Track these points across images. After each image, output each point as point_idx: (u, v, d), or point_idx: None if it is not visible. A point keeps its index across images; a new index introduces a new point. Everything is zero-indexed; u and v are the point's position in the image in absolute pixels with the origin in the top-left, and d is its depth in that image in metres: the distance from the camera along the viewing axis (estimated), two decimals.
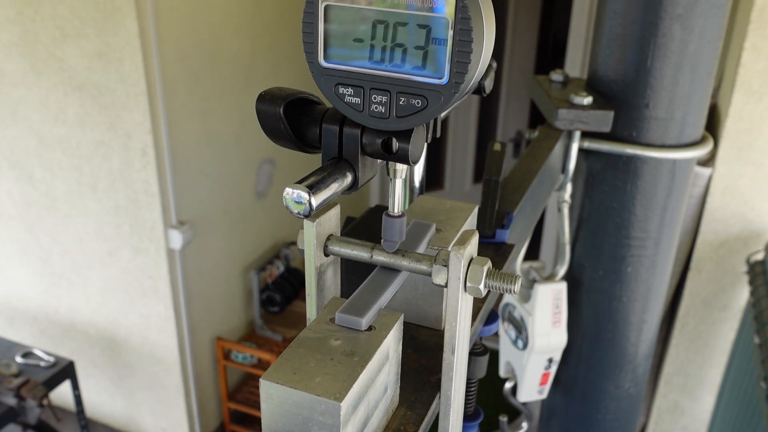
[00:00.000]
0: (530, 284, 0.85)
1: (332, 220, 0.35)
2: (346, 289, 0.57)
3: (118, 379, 2.33)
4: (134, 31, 1.76)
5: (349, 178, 0.32)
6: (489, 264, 0.34)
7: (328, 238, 0.35)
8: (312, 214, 0.29)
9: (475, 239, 0.34)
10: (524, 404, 0.90)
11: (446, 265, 0.33)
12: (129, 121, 1.88)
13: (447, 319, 0.33)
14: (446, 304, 0.34)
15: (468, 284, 0.32)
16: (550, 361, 0.85)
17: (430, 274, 0.34)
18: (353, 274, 0.56)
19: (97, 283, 2.14)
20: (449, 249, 0.33)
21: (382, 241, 0.36)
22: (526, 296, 0.85)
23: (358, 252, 0.35)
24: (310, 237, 0.34)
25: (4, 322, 2.43)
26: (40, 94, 1.95)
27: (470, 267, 0.33)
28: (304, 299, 2.66)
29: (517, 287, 0.34)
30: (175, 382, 2.20)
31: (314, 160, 0.34)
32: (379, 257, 0.35)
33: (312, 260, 0.35)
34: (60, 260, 2.19)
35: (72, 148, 2.00)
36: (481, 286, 0.32)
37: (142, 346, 2.21)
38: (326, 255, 0.35)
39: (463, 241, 0.33)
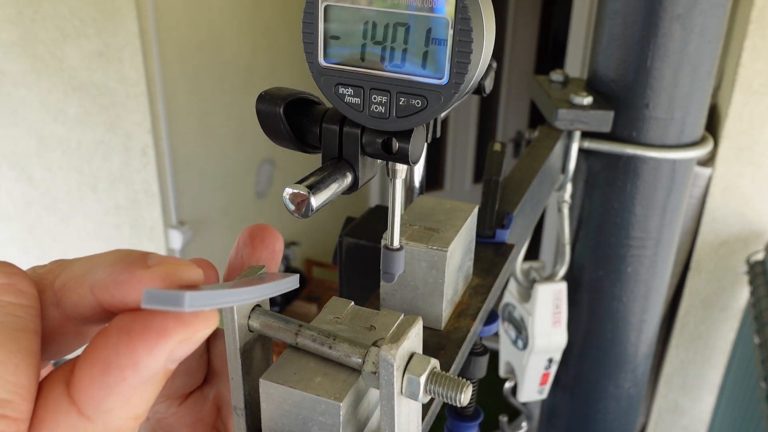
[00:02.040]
0: (530, 284, 0.85)
1: None
2: (347, 289, 0.57)
3: None
4: (134, 31, 1.76)
5: (349, 179, 0.32)
6: (433, 365, 0.28)
7: (253, 310, 0.30)
8: (312, 214, 0.29)
9: (414, 331, 0.28)
10: (524, 404, 0.90)
11: (376, 372, 0.28)
12: (129, 121, 1.88)
13: (383, 428, 0.28)
14: (381, 411, 0.28)
15: (404, 390, 0.28)
16: (550, 361, 0.85)
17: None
18: (354, 274, 0.56)
19: None
20: (381, 347, 0.27)
21: (381, 273, 0.36)
22: (526, 296, 0.85)
23: (283, 335, 0.30)
24: (229, 312, 0.29)
25: None
26: (40, 94, 1.95)
27: (406, 374, 0.27)
28: (304, 299, 2.66)
29: (464, 398, 0.28)
30: None
31: (314, 160, 0.33)
32: (306, 341, 0.29)
33: (234, 339, 0.29)
34: None
35: (72, 148, 2.00)
36: (420, 396, 0.27)
37: None
38: (250, 331, 0.30)
39: (397, 336, 0.27)
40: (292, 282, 0.28)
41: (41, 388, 0.21)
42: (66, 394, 0.20)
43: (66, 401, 0.20)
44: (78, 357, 0.21)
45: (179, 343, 0.20)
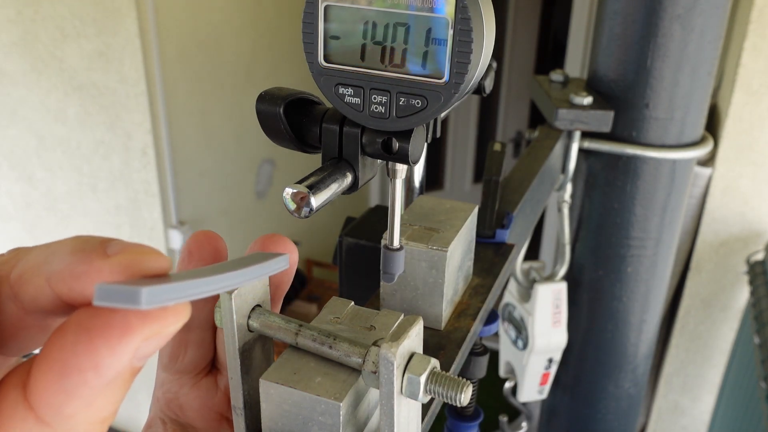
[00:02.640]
0: (530, 284, 0.85)
1: (257, 288, 0.30)
2: (347, 289, 0.57)
3: None
4: (134, 31, 1.76)
5: (349, 178, 0.32)
6: (433, 365, 0.28)
7: (253, 310, 0.30)
8: (312, 214, 0.29)
9: (415, 330, 0.28)
10: (524, 404, 0.90)
11: (376, 372, 0.28)
12: (129, 121, 1.88)
13: (382, 428, 0.28)
14: (381, 411, 0.28)
15: (404, 390, 0.28)
16: (550, 361, 0.85)
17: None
18: (354, 273, 0.56)
19: None
20: (381, 346, 0.27)
21: (381, 273, 0.36)
22: (526, 296, 0.85)
23: (283, 335, 0.30)
24: (227, 312, 0.28)
25: None
26: (40, 94, 1.95)
27: (406, 373, 0.27)
28: (304, 299, 2.66)
29: (464, 398, 0.27)
30: None
31: (314, 160, 0.33)
32: (306, 341, 0.29)
33: (232, 339, 0.29)
34: None
35: (72, 148, 2.00)
36: (420, 396, 0.27)
37: None
38: (250, 331, 0.30)
39: (398, 335, 0.27)
40: (278, 263, 0.26)
41: None
42: (22, 399, 0.18)
43: (23, 407, 0.18)
44: (34, 357, 0.19)
45: (145, 341, 0.18)
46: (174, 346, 0.31)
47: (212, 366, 0.33)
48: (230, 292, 0.28)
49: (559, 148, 0.78)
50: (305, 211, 0.29)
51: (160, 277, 0.19)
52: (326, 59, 0.30)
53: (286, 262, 0.26)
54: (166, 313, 0.18)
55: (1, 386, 0.19)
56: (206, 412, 0.33)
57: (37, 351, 0.21)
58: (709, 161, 1.26)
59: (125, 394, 0.19)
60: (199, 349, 0.31)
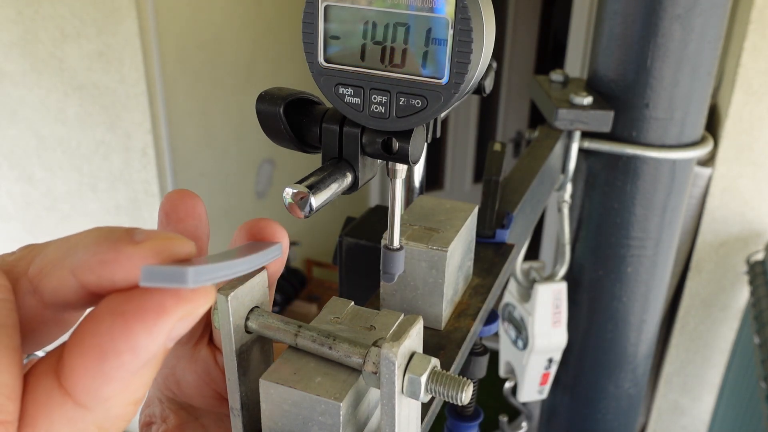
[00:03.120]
0: (530, 284, 0.85)
1: (255, 289, 0.30)
2: (347, 289, 0.57)
3: None
4: (134, 31, 1.76)
5: (349, 178, 0.32)
6: (434, 364, 0.28)
7: (251, 311, 0.30)
8: (312, 214, 0.29)
9: (415, 330, 0.28)
10: (524, 404, 0.90)
11: (376, 372, 0.27)
12: (129, 121, 1.88)
13: (383, 428, 0.28)
14: (381, 411, 0.28)
15: (405, 390, 0.27)
16: (550, 361, 0.85)
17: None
18: (354, 274, 0.56)
19: None
20: (382, 346, 0.27)
21: (381, 273, 0.36)
22: (526, 296, 0.85)
23: (282, 336, 0.30)
24: (224, 314, 0.28)
25: None
26: (40, 94, 1.95)
27: (407, 373, 0.27)
28: (304, 299, 2.66)
29: (465, 396, 0.27)
30: None
31: (314, 160, 0.33)
32: (305, 341, 0.29)
33: (229, 341, 0.29)
34: None
35: (72, 148, 2.00)
36: (421, 395, 0.27)
37: None
38: (248, 332, 0.30)
39: (398, 335, 0.27)
40: (275, 251, 0.26)
41: (28, 381, 0.20)
42: (57, 386, 0.19)
43: (59, 393, 0.19)
44: (65, 345, 0.20)
45: (180, 320, 0.19)
46: None
47: (210, 339, 0.33)
48: (226, 294, 0.28)
49: (559, 148, 0.78)
50: (305, 211, 0.29)
51: (187, 260, 0.20)
52: (326, 59, 0.30)
53: (279, 250, 0.27)
54: (197, 294, 0.19)
55: (31, 378, 0.20)
56: (204, 388, 0.32)
57: (49, 347, 0.22)
58: (709, 161, 1.26)
59: (154, 376, 0.20)
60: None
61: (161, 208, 0.27)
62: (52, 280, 0.21)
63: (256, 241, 0.28)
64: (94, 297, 0.20)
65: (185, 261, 0.20)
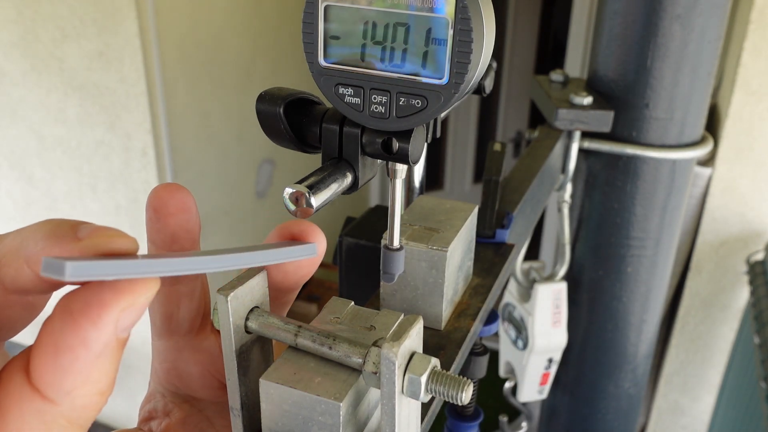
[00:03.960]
0: (530, 284, 0.85)
1: (255, 289, 0.29)
2: (347, 289, 0.57)
3: (118, 379, 2.33)
4: (134, 31, 1.76)
5: (349, 178, 0.32)
6: (434, 364, 0.28)
7: (251, 311, 0.30)
8: (312, 214, 0.29)
9: (415, 330, 0.28)
10: (524, 404, 0.90)
11: (377, 372, 0.27)
12: (129, 121, 1.88)
13: (383, 427, 0.28)
14: (381, 411, 0.28)
15: (405, 390, 0.27)
16: (550, 361, 0.85)
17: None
18: (354, 274, 0.57)
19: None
20: (382, 346, 0.27)
21: (381, 273, 0.35)
22: (526, 296, 0.85)
23: (282, 336, 0.29)
24: (224, 314, 0.28)
25: None
26: (40, 94, 1.95)
27: (407, 373, 0.27)
28: (304, 299, 2.66)
29: (465, 396, 0.27)
30: None
31: (314, 160, 0.33)
32: (305, 341, 0.29)
33: (229, 341, 0.29)
34: None
35: (72, 148, 2.00)
36: (422, 395, 0.27)
37: (143, 346, 2.21)
38: (248, 332, 0.30)
39: (399, 335, 0.27)
40: (301, 251, 0.27)
41: (0, 378, 0.21)
42: (27, 382, 0.21)
43: (28, 388, 0.21)
44: (32, 345, 0.21)
45: (123, 312, 0.20)
46: (165, 304, 0.30)
47: (212, 328, 0.33)
48: (226, 295, 0.28)
49: (559, 148, 0.78)
50: (305, 210, 0.29)
51: (129, 255, 0.22)
52: (326, 59, 0.30)
53: (314, 250, 0.27)
54: (135, 286, 0.21)
55: (4, 374, 0.21)
56: (208, 379, 0.32)
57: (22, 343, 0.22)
58: (709, 161, 1.26)
59: (117, 366, 0.22)
60: (191, 301, 0.31)
61: (149, 204, 0.28)
62: (10, 270, 0.22)
63: (284, 241, 0.29)
64: (52, 284, 0.22)
65: (126, 256, 0.21)
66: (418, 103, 0.30)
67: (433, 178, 3.51)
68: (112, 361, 0.21)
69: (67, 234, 0.21)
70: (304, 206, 0.29)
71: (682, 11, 0.71)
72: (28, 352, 0.21)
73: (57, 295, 0.22)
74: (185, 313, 0.31)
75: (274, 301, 0.32)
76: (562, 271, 0.86)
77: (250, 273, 0.29)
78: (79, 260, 0.19)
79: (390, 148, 0.31)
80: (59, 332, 0.20)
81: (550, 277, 0.86)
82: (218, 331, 0.33)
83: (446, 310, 0.42)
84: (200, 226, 0.29)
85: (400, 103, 0.30)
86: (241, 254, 0.25)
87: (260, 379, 0.29)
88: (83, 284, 0.21)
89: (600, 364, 0.93)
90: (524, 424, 0.90)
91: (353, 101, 0.30)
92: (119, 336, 0.21)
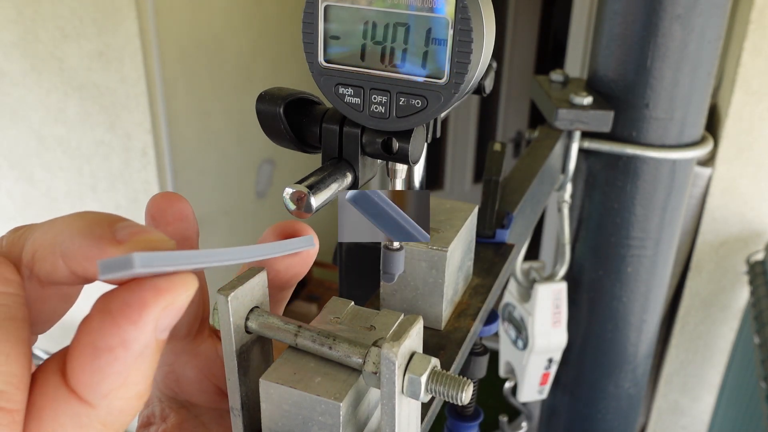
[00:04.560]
0: (530, 284, 0.85)
1: (255, 289, 0.29)
2: (347, 289, 0.57)
3: None
4: (134, 31, 1.76)
5: (349, 178, 0.32)
6: (434, 364, 0.28)
7: (251, 311, 0.29)
8: (312, 214, 0.29)
9: (415, 330, 0.28)
10: (524, 404, 0.90)
11: (377, 372, 0.27)
12: (129, 121, 1.88)
13: (383, 427, 0.28)
14: (382, 411, 0.28)
15: (405, 390, 0.27)
16: (550, 361, 0.85)
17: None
18: (354, 274, 0.56)
19: (98, 282, 2.14)
20: (382, 346, 0.27)
21: (381, 273, 0.35)
22: (526, 296, 0.85)
23: (282, 336, 0.29)
24: (224, 314, 0.28)
25: None
26: (40, 94, 1.95)
27: (407, 373, 0.27)
28: (304, 299, 2.66)
29: (466, 396, 0.27)
30: None
31: (314, 160, 0.33)
32: (305, 341, 0.29)
33: (230, 341, 0.29)
34: None
35: (72, 148, 2.00)
36: (422, 395, 0.27)
37: None
38: (248, 332, 0.30)
39: (399, 335, 0.27)
40: (299, 243, 0.26)
41: (36, 378, 0.21)
42: (63, 384, 0.20)
43: (64, 389, 0.20)
44: (68, 346, 0.21)
45: (163, 311, 0.20)
46: None
47: (210, 332, 0.33)
48: (227, 295, 0.28)
49: (559, 148, 0.78)
50: (305, 210, 0.29)
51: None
52: (326, 59, 0.30)
53: (311, 241, 0.27)
54: (175, 284, 0.20)
55: (40, 374, 0.21)
56: (205, 383, 0.32)
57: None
58: (709, 161, 1.26)
59: (155, 369, 0.21)
60: (190, 305, 0.30)
61: (147, 211, 0.28)
62: (46, 265, 0.21)
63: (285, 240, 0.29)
64: (87, 277, 0.22)
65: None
66: (418, 103, 0.30)
67: (433, 178, 3.51)
68: (151, 364, 0.21)
69: (105, 234, 0.21)
70: (304, 207, 0.29)
71: (682, 11, 0.71)
72: (63, 353, 0.21)
73: (88, 309, 0.22)
74: (184, 317, 0.30)
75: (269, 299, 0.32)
76: (562, 271, 0.86)
77: (250, 273, 0.29)
78: (144, 252, 0.19)
79: (390, 148, 0.31)
80: (98, 332, 0.20)
81: (550, 277, 0.86)
82: (216, 335, 0.33)
83: (446, 310, 0.42)
84: (198, 233, 0.30)
85: (400, 103, 0.30)
86: (263, 246, 0.25)
87: (260, 379, 0.29)
88: (121, 284, 0.21)
89: (600, 364, 0.93)
90: (524, 424, 0.90)
91: (353, 101, 0.30)
92: (158, 337, 0.20)
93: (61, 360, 0.21)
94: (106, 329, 0.20)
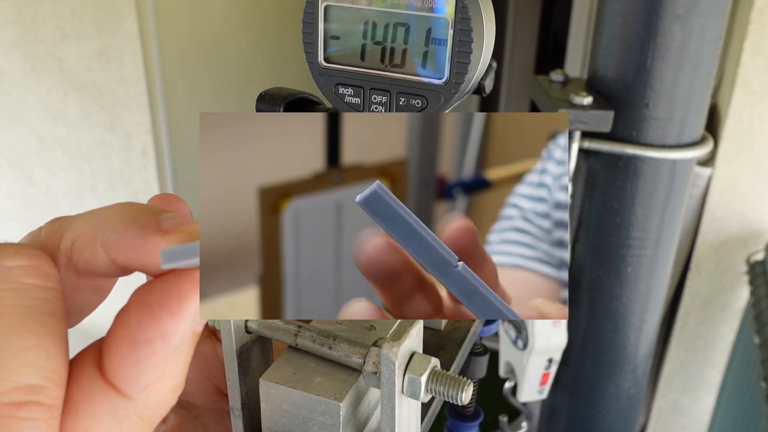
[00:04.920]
0: None
1: None
2: None
3: None
4: (134, 31, 1.76)
5: None
6: (434, 364, 0.28)
7: None
8: None
9: (415, 330, 0.28)
10: (524, 404, 0.90)
11: (377, 372, 0.27)
12: (129, 121, 1.88)
13: (383, 428, 0.28)
14: (382, 411, 0.28)
15: (405, 390, 0.27)
16: (550, 361, 0.85)
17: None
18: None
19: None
20: (382, 346, 0.27)
21: None
22: None
23: (282, 336, 0.29)
24: None
25: None
26: (40, 94, 1.95)
27: (407, 373, 0.27)
28: None
29: (466, 396, 0.27)
30: None
31: None
32: (305, 341, 0.29)
33: (230, 340, 0.29)
34: None
35: (72, 148, 2.00)
36: (422, 395, 0.27)
37: None
38: (248, 332, 0.30)
39: (399, 335, 0.27)
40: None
41: (71, 372, 0.21)
42: (100, 376, 0.20)
43: (101, 383, 0.20)
44: (104, 338, 0.21)
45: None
46: None
47: (209, 333, 0.33)
48: None
49: None
50: None
51: None
52: (326, 59, 0.30)
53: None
54: None
55: (74, 367, 0.21)
56: (204, 383, 0.32)
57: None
58: (709, 161, 1.26)
59: (189, 362, 0.21)
60: None
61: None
62: (85, 254, 0.21)
63: None
64: (127, 269, 0.21)
65: None
66: (418, 103, 0.30)
67: None
68: (187, 357, 0.21)
69: (150, 224, 0.21)
70: None
71: (682, 11, 0.71)
72: (97, 345, 0.21)
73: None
74: None
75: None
76: None
77: None
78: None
79: None
80: (136, 324, 0.20)
81: None
82: (215, 336, 0.33)
83: None
84: None
85: (400, 103, 0.30)
86: None
87: (260, 379, 0.29)
88: (158, 276, 0.20)
89: (600, 364, 0.93)
90: (524, 424, 0.90)
91: (353, 101, 0.31)
92: (195, 330, 0.20)
93: (96, 352, 0.21)
94: (144, 321, 0.20)
